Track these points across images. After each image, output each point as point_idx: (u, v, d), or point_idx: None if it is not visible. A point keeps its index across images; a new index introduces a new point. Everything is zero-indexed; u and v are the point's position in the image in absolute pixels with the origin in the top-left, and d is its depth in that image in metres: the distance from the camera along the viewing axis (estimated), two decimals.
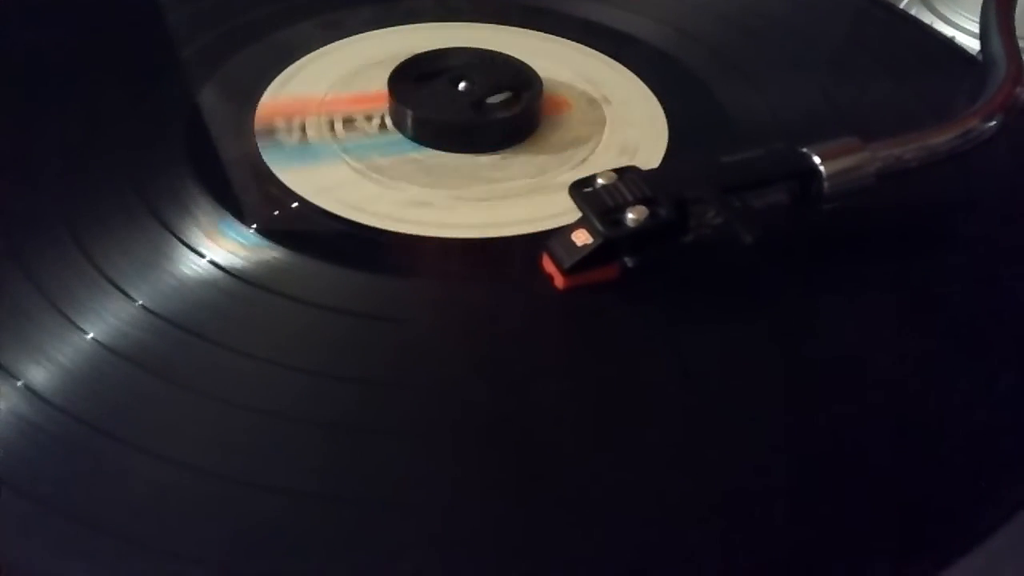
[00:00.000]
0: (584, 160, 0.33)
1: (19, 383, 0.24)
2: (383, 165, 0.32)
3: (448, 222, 0.30)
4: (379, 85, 0.34)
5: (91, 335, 0.26)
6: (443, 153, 0.33)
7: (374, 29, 0.40)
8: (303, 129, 0.33)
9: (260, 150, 0.32)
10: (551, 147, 0.34)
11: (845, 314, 0.28)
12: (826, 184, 0.28)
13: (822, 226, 0.30)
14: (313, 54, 0.38)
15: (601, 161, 0.33)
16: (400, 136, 0.34)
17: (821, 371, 0.26)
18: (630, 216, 0.27)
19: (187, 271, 0.28)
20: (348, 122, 0.34)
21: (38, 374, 0.25)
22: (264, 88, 0.36)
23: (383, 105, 0.34)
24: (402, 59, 0.35)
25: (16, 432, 0.23)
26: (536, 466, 0.23)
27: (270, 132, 0.33)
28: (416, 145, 0.33)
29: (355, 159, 0.32)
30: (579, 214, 0.28)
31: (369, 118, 0.34)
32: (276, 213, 0.30)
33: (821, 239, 0.30)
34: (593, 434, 0.24)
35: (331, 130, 0.34)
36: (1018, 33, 0.37)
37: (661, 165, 0.32)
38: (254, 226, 0.29)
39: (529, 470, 0.23)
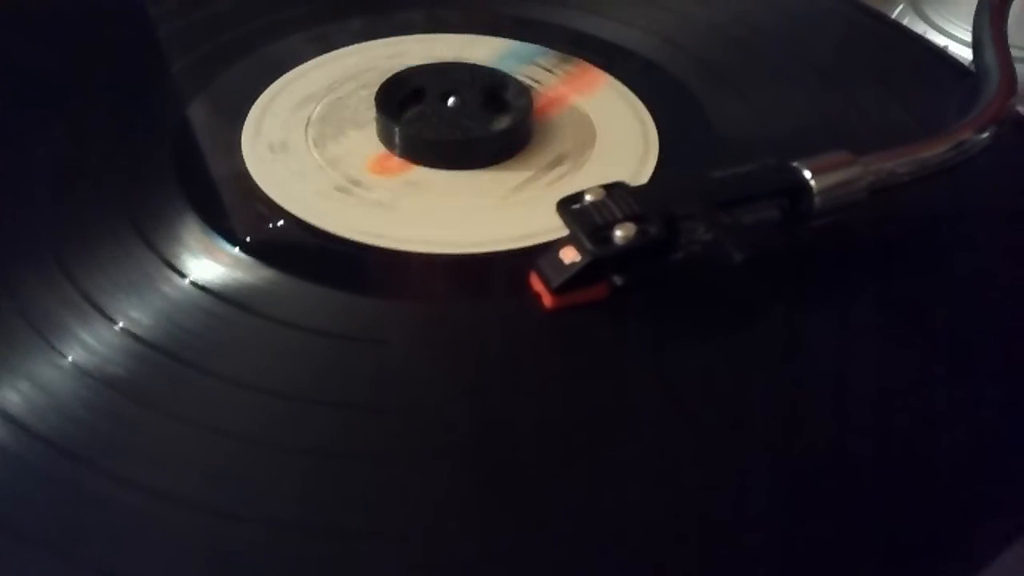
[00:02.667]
0: (572, 175, 0.33)
1: None
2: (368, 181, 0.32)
3: (434, 239, 0.30)
4: (367, 102, 0.34)
5: (70, 358, 0.25)
6: (430, 169, 0.33)
7: (363, 41, 0.40)
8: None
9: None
10: (539, 162, 0.33)
11: (837, 333, 0.27)
12: (817, 199, 0.28)
13: (813, 243, 0.29)
14: (300, 67, 0.38)
15: (590, 176, 0.33)
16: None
17: (811, 391, 0.26)
18: (619, 234, 0.26)
19: (170, 292, 0.27)
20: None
21: (14, 399, 0.24)
22: (251, 104, 0.36)
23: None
24: (391, 73, 0.35)
25: None
26: (522, 492, 0.23)
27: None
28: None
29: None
30: (567, 231, 0.27)
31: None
32: (261, 232, 0.30)
33: (811, 256, 0.29)
34: (581, 457, 0.24)
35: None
36: (1012, 43, 0.37)
37: (650, 181, 0.32)
38: (239, 246, 0.29)
39: (515, 496, 0.23)
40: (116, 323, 0.26)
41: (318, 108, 0.36)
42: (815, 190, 0.28)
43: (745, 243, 0.26)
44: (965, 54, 0.41)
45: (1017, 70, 0.35)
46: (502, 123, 0.34)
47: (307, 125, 0.35)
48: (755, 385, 0.26)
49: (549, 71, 0.38)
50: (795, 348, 0.27)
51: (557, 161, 0.33)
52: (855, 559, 0.22)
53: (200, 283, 0.28)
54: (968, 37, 0.40)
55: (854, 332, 0.27)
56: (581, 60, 0.39)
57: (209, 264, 0.28)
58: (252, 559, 0.21)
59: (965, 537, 0.23)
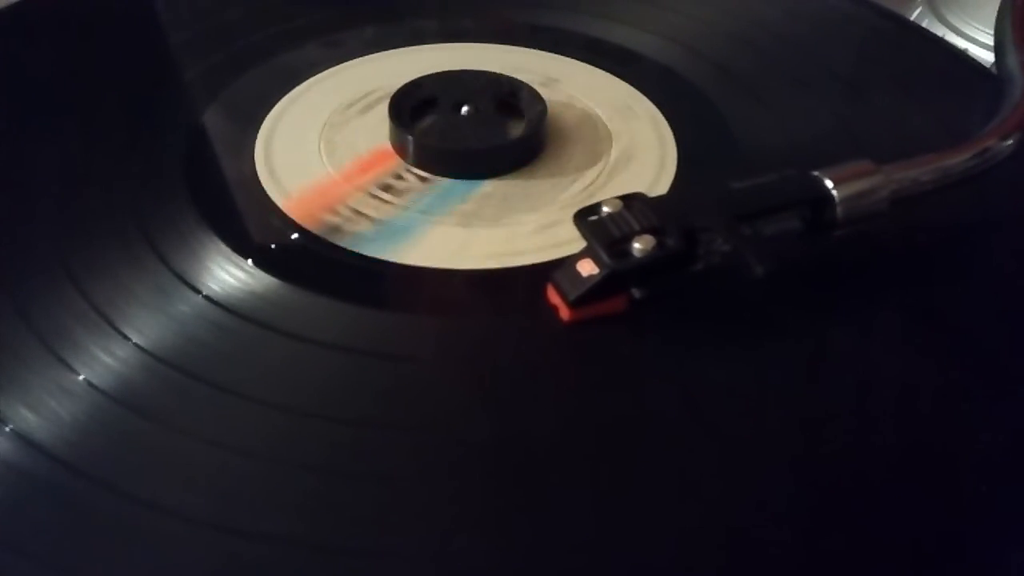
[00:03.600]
0: (589, 185, 0.32)
1: (7, 428, 0.24)
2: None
3: (447, 251, 0.29)
4: (381, 116, 0.34)
5: (82, 376, 0.25)
6: (443, 179, 0.32)
7: (377, 51, 0.39)
8: (358, 212, 0.31)
9: (344, 247, 0.29)
10: (555, 172, 0.33)
11: (860, 345, 0.27)
12: (839, 209, 0.27)
13: (835, 253, 0.29)
14: (314, 79, 0.37)
15: (607, 186, 0.32)
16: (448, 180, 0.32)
17: (835, 404, 0.25)
18: (637, 246, 0.26)
19: (183, 307, 0.27)
20: (386, 188, 0.32)
21: (24, 415, 0.24)
22: (265, 115, 0.35)
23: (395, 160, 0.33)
24: (404, 82, 0.34)
25: (2, 480, 0.23)
26: (542, 510, 0.23)
27: (333, 229, 0.30)
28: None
29: (439, 215, 0.31)
30: (584, 243, 0.27)
31: (399, 176, 0.33)
32: (274, 245, 0.30)
33: (834, 267, 0.29)
34: (602, 474, 0.23)
35: (385, 201, 0.31)
36: None
37: (669, 192, 0.32)
38: (252, 258, 0.28)
39: (534, 514, 0.22)
40: (128, 339, 0.26)
41: (332, 118, 0.35)
42: (837, 200, 0.27)
43: (766, 256, 0.25)
44: (985, 57, 0.41)
45: None
46: (516, 132, 0.33)
47: (321, 135, 0.34)
48: (776, 398, 0.25)
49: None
50: (816, 360, 0.27)
51: (574, 171, 0.33)
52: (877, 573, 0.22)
53: (213, 297, 0.27)
54: (988, 40, 0.39)
55: (877, 344, 0.27)
56: None
57: (222, 278, 0.28)
58: None
59: (993, 550, 0.22)
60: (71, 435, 0.24)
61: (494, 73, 0.35)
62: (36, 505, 0.22)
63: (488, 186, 0.32)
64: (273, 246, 0.30)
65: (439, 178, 0.32)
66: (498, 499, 0.23)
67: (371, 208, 0.31)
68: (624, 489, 0.23)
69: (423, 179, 0.32)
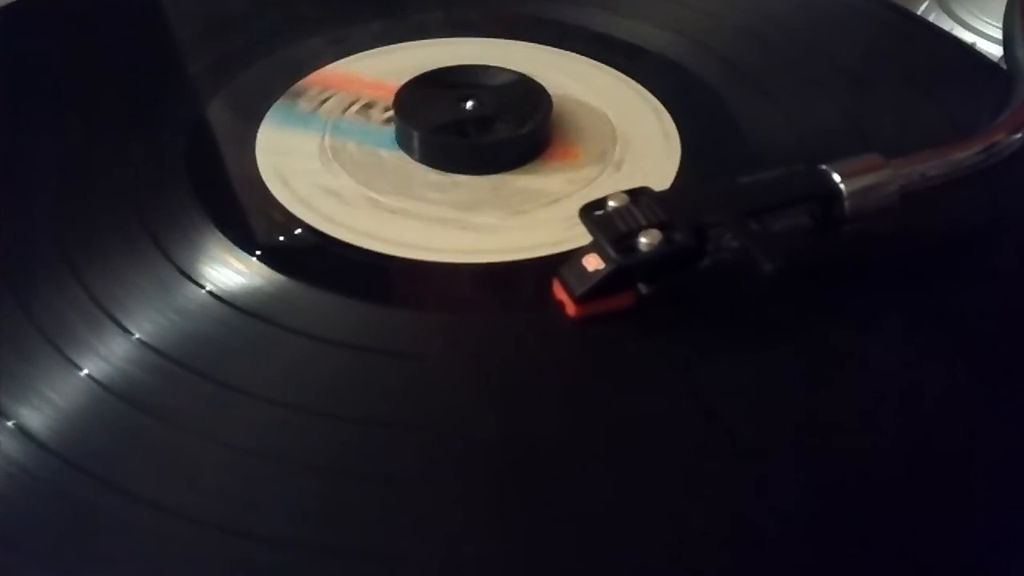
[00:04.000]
0: (594, 180, 0.32)
1: (10, 423, 0.23)
2: (373, 167, 0.31)
3: (452, 247, 0.29)
4: (386, 107, 0.34)
5: (85, 371, 0.25)
6: (448, 174, 0.32)
7: (383, 45, 0.39)
8: (323, 101, 0.31)
9: (269, 110, 0.30)
10: (560, 167, 0.33)
11: (869, 344, 0.27)
12: (847, 203, 0.27)
13: (845, 249, 0.28)
14: (318, 72, 0.37)
15: (613, 181, 0.32)
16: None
17: (844, 403, 0.25)
18: (643, 241, 0.26)
19: (186, 302, 0.27)
20: (366, 107, 0.32)
21: (26, 412, 0.24)
22: (268, 108, 0.35)
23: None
24: (409, 76, 0.34)
25: (4, 476, 0.22)
26: (549, 509, 0.22)
27: (296, 95, 0.31)
28: (420, 165, 0.32)
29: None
30: (590, 238, 0.27)
31: (387, 109, 0.33)
32: (278, 240, 0.29)
33: (843, 262, 0.29)
34: (609, 472, 0.23)
35: (343, 111, 0.32)
36: None
37: (676, 187, 0.31)
38: (255, 254, 0.28)
39: (541, 514, 0.22)
40: (131, 334, 0.26)
41: (336, 113, 0.35)
42: (846, 194, 0.27)
43: (775, 252, 0.25)
44: (993, 51, 0.40)
45: None
46: (522, 127, 0.33)
47: (324, 130, 0.34)
48: (783, 396, 0.25)
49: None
50: (824, 357, 0.26)
51: (580, 165, 0.33)
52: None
53: (216, 292, 0.27)
54: (995, 33, 0.39)
55: (885, 343, 0.27)
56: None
57: (225, 273, 0.28)
58: None
59: (995, 550, 0.22)
60: (73, 431, 0.24)
61: (499, 67, 0.35)
62: (36, 501, 0.22)
63: (497, 181, 0.32)
64: (277, 240, 0.29)
65: (449, 174, 0.32)
66: (506, 497, 0.23)
67: (332, 103, 0.31)
68: (631, 487, 0.23)
69: (435, 175, 0.32)
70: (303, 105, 0.33)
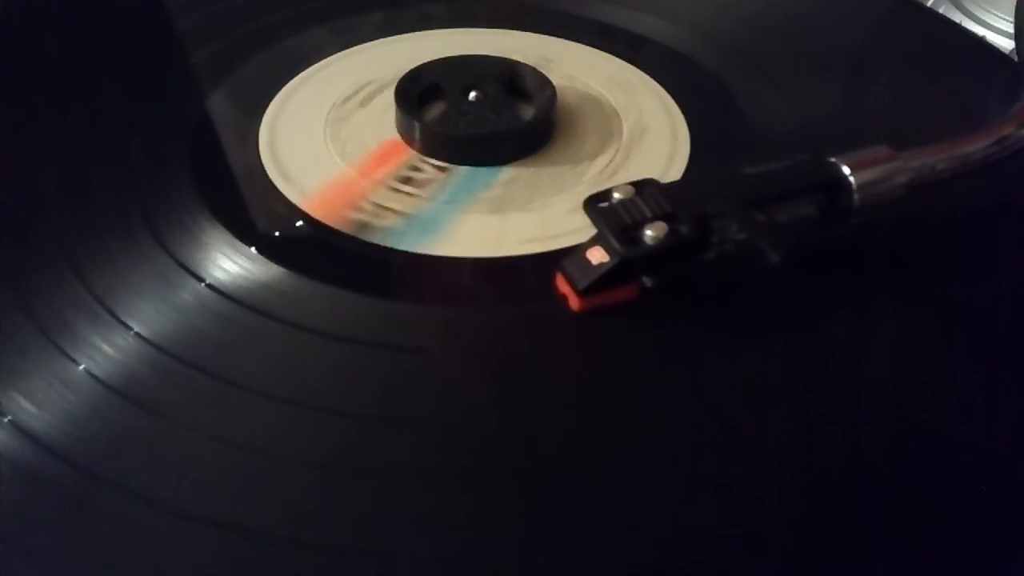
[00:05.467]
0: (600, 172, 0.32)
1: (6, 419, 0.23)
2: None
3: (457, 240, 0.29)
4: (387, 98, 0.33)
5: (83, 366, 0.24)
6: (451, 166, 0.32)
7: (385, 36, 0.39)
8: (382, 207, 0.30)
9: (373, 245, 0.29)
10: (565, 159, 0.32)
11: (876, 335, 0.26)
12: (856, 196, 0.27)
13: (853, 241, 0.28)
14: (320, 63, 0.37)
15: (618, 173, 0.32)
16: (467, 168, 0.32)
17: (849, 396, 0.25)
18: (648, 233, 0.25)
19: (186, 295, 0.26)
20: (405, 180, 0.31)
21: (24, 407, 0.23)
22: (270, 101, 0.35)
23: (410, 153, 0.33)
24: (411, 68, 0.34)
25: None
26: (550, 504, 0.22)
27: (362, 226, 0.29)
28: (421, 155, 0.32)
29: (465, 204, 0.30)
30: (595, 231, 0.26)
31: (416, 168, 0.32)
32: (279, 233, 0.29)
33: (849, 255, 0.28)
34: (611, 466, 0.23)
35: (407, 194, 0.31)
36: None
37: (681, 178, 0.31)
38: (257, 246, 0.28)
39: (543, 509, 0.22)
40: (130, 328, 0.25)
41: (338, 104, 0.35)
42: (854, 186, 0.27)
43: (782, 242, 0.25)
44: (1003, 43, 0.40)
45: None
46: (525, 117, 0.33)
47: (326, 122, 0.34)
48: (789, 389, 0.25)
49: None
50: (829, 351, 0.26)
51: (584, 157, 0.32)
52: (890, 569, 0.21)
53: (216, 286, 0.27)
54: (1004, 26, 0.38)
55: (895, 335, 0.26)
56: None
57: (226, 266, 0.27)
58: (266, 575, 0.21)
59: (996, 547, 0.22)
60: (71, 427, 0.23)
61: (501, 57, 0.35)
62: (34, 498, 0.22)
63: (508, 172, 0.31)
64: (278, 233, 0.29)
65: (457, 167, 0.32)
66: (506, 491, 0.22)
67: (394, 202, 0.30)
68: (634, 481, 0.23)
69: (441, 169, 0.32)
70: (385, 222, 0.30)
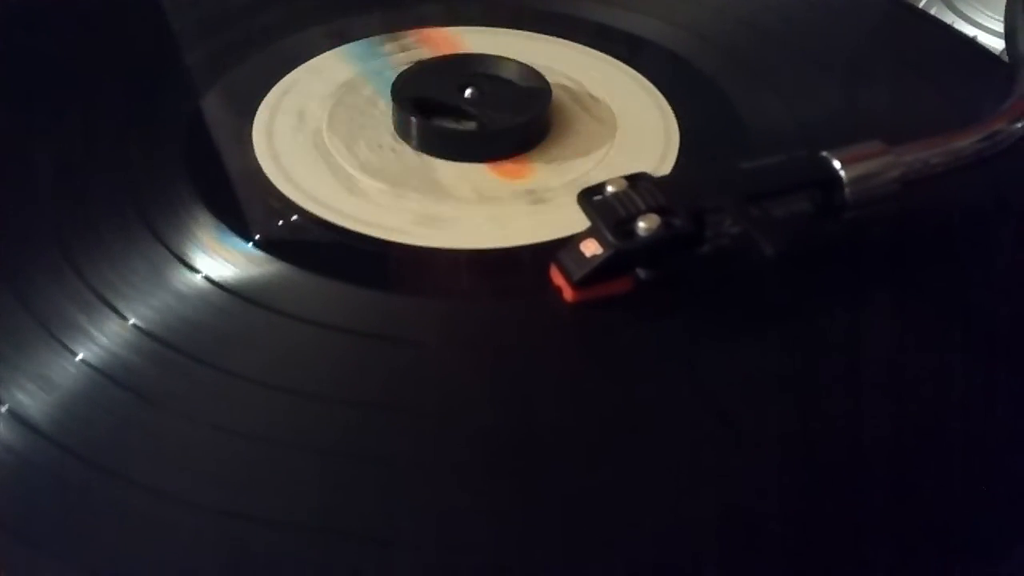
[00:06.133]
0: (594, 167, 0.32)
1: (3, 408, 0.23)
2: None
3: (452, 233, 0.29)
4: (383, 96, 0.34)
5: (80, 356, 0.25)
6: (447, 162, 0.32)
7: (380, 34, 0.39)
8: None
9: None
10: (560, 155, 0.32)
11: (872, 329, 0.26)
12: (848, 190, 0.27)
13: (846, 236, 0.28)
14: (314, 60, 0.37)
15: (612, 168, 0.32)
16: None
17: (845, 390, 0.25)
18: (642, 226, 0.25)
19: (182, 287, 0.27)
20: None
21: (22, 399, 0.23)
22: (264, 99, 0.35)
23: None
24: (406, 65, 0.34)
25: None
26: (547, 495, 0.22)
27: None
28: (417, 152, 0.32)
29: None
30: (589, 224, 0.26)
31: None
32: (277, 225, 0.29)
33: (843, 249, 0.28)
34: (607, 458, 0.23)
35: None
36: None
37: (675, 172, 0.31)
38: (252, 240, 0.28)
39: (539, 500, 0.22)
40: (127, 319, 0.26)
41: (332, 102, 0.35)
42: (846, 181, 0.27)
43: (777, 236, 0.25)
44: (994, 44, 0.40)
45: None
46: (521, 115, 0.33)
47: (320, 119, 0.34)
48: (784, 382, 0.25)
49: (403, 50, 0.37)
50: (824, 343, 0.26)
51: (579, 153, 0.32)
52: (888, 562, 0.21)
53: (212, 278, 0.27)
54: (996, 27, 0.39)
55: (889, 329, 0.27)
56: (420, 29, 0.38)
57: (221, 260, 0.27)
58: (270, 565, 0.21)
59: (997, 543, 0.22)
60: (67, 416, 0.23)
61: (497, 56, 0.35)
62: (32, 488, 0.22)
63: (497, 168, 0.32)
64: (273, 226, 0.29)
65: (447, 161, 0.32)
66: (503, 482, 0.23)
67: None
68: (629, 473, 0.23)
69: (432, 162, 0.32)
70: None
